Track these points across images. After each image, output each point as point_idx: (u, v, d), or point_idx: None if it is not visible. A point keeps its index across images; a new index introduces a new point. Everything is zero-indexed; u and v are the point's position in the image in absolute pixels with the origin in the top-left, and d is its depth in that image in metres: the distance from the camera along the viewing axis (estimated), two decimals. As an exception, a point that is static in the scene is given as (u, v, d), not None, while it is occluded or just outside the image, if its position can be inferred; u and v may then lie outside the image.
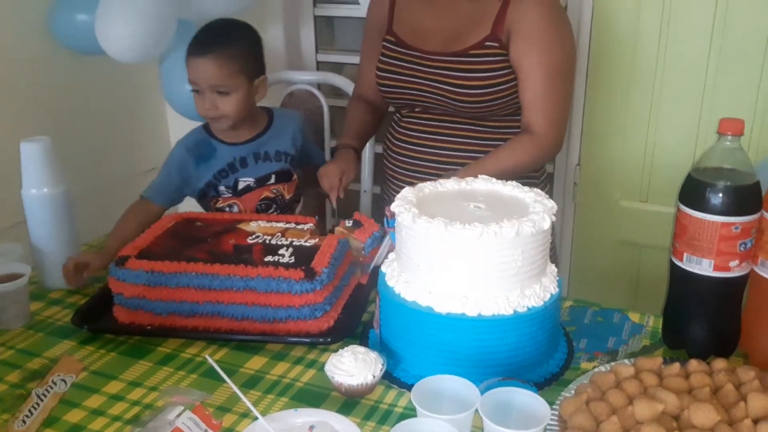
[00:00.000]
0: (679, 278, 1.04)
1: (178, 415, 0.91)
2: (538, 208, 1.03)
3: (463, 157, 1.45)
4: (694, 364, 0.98)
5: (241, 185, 1.52)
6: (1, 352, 1.14)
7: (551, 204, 1.05)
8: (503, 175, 1.35)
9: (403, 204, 1.05)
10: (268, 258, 1.20)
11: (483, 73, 1.37)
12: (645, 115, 1.72)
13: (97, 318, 1.23)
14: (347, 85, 1.89)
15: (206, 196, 1.54)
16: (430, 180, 1.18)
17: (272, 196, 1.55)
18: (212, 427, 0.91)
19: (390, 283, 1.07)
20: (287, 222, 1.38)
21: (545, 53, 1.36)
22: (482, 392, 0.90)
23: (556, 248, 1.61)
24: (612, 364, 1.02)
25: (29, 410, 0.98)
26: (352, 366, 0.99)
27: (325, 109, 1.94)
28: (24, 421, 0.96)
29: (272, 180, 1.54)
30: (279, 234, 1.31)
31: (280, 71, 2.00)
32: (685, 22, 1.62)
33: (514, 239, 0.96)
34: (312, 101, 1.96)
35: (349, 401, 0.99)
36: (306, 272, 1.14)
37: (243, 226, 1.36)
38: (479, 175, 1.19)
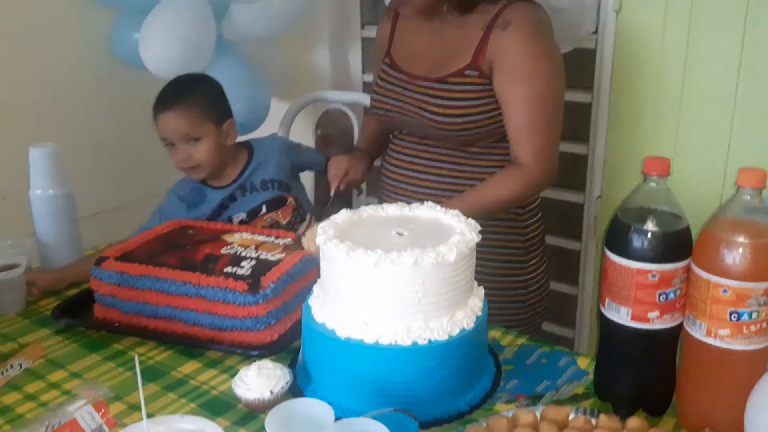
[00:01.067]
0: (603, 325, 0.97)
1: (79, 408, 0.98)
2: (454, 240, 1.00)
3: (446, 183, 1.43)
4: (603, 419, 0.92)
5: (235, 221, 1.59)
6: (-18, 334, 1.28)
7: (471, 237, 1.01)
8: (486, 210, 1.32)
9: (328, 226, 1.06)
10: (228, 269, 1.25)
11: (459, 102, 1.35)
12: (668, 151, 1.60)
13: (79, 311, 1.34)
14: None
15: None
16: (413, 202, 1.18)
17: (267, 225, 1.60)
18: (108, 422, 0.97)
19: (311, 302, 1.08)
20: (269, 236, 1.43)
21: (528, 84, 1.31)
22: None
23: (541, 283, 1.53)
24: (518, 409, 0.96)
25: (-23, 389, 1.09)
26: (253, 380, 1.01)
27: (356, 129, 1.98)
28: (-33, 398, 1.07)
29: (263, 210, 1.60)
30: (253, 247, 1.36)
31: (317, 91, 2.06)
32: (710, 57, 1.50)
33: (411, 269, 0.94)
34: (344, 120, 2.01)
35: (249, 414, 1.02)
36: (250, 285, 1.18)
37: (227, 237, 1.42)
38: (456, 209, 1.14)
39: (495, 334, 1.24)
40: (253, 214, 1.62)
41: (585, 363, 1.13)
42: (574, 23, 1.63)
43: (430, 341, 0.97)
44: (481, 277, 1.10)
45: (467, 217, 1.09)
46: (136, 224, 1.60)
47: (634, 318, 0.92)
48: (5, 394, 1.08)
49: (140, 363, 1.15)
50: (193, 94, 1.55)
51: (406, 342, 0.96)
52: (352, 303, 0.99)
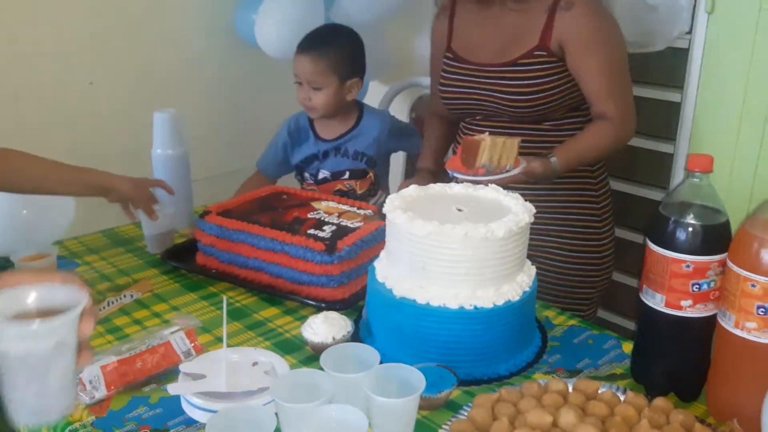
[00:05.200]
0: (640, 310, 1.03)
1: (173, 333, 1.15)
2: (506, 218, 1.09)
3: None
4: (630, 395, 0.98)
5: (320, 176, 1.76)
6: (104, 267, 1.49)
7: (522, 217, 1.09)
8: (583, 157, 1.49)
9: (396, 197, 1.18)
10: (311, 231, 1.40)
11: (533, 80, 1.47)
12: (752, 158, 1.59)
13: (184, 257, 1.54)
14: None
15: (299, 177, 1.81)
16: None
17: (345, 189, 1.76)
18: (196, 348, 1.14)
19: (376, 264, 1.20)
20: (352, 206, 1.56)
21: (603, 52, 1.45)
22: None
23: (611, 248, 1.63)
24: (552, 378, 1.05)
25: (96, 311, 1.30)
26: (320, 327, 1.16)
27: (448, 114, 2.08)
28: (88, 316, 1.28)
29: (346, 175, 1.76)
30: (336, 214, 1.50)
31: (415, 76, 2.17)
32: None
33: (462, 240, 1.04)
34: (438, 105, 2.11)
35: (313, 355, 1.16)
36: (327, 246, 1.32)
37: (314, 204, 1.57)
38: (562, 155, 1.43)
39: (549, 313, 1.31)
40: (335, 176, 1.79)
41: (629, 348, 1.18)
42: (668, 22, 1.65)
43: (475, 307, 1.07)
44: (558, 241, 1.54)
45: (570, 164, 1.40)
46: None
47: (667, 305, 0.98)
48: (117, 317, 1.29)
49: (228, 305, 1.32)
50: (330, 47, 1.73)
51: (453, 306, 1.07)
52: (409, 267, 1.10)
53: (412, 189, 1.23)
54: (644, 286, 1.01)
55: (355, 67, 1.76)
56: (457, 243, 1.05)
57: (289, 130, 1.84)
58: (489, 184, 1.25)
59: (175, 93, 2.14)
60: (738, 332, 0.92)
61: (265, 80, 2.34)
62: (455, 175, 1.35)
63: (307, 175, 1.79)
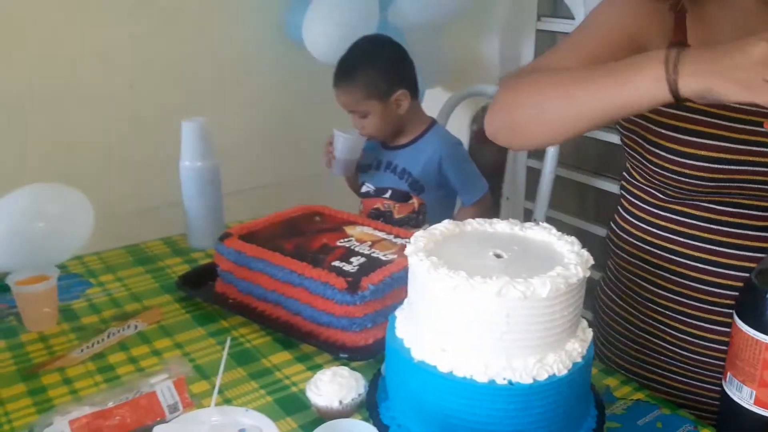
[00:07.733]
0: (722, 402, 0.80)
1: (161, 381, 1.01)
2: (554, 272, 0.87)
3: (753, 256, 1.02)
4: None
5: (364, 188, 1.61)
6: (117, 289, 1.37)
7: (574, 272, 0.88)
8: None
9: (422, 235, 0.99)
10: (336, 263, 1.23)
11: None
12: None
13: (205, 282, 1.40)
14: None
15: None
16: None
17: (382, 209, 1.60)
18: (183, 400, 0.99)
19: (397, 313, 1.02)
20: (389, 233, 1.38)
21: None
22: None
23: None
24: (602, 478, 0.83)
25: (94, 343, 1.18)
26: (325, 386, 0.98)
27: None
28: (82, 350, 1.16)
29: (388, 194, 1.60)
30: (369, 243, 1.32)
31: (477, 84, 1.96)
32: None
33: (494, 299, 0.84)
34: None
35: (319, 420, 0.98)
36: (349, 284, 1.15)
37: (348, 229, 1.40)
38: None
39: (612, 382, 1.09)
40: (378, 192, 1.70)
41: (708, 436, 0.95)
42: None
43: (510, 382, 0.86)
44: None
45: None
46: (284, 203, 1.64)
47: (758, 402, 0.74)
48: (114, 352, 1.16)
49: (238, 345, 1.19)
50: (357, 75, 1.63)
51: (482, 378, 0.86)
52: (430, 325, 0.91)
53: (444, 224, 1.03)
54: (729, 373, 0.78)
55: (392, 81, 1.64)
56: (488, 301, 0.84)
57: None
58: None
59: (219, 97, 2.02)
60: None
61: (313, 86, 2.18)
62: None
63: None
